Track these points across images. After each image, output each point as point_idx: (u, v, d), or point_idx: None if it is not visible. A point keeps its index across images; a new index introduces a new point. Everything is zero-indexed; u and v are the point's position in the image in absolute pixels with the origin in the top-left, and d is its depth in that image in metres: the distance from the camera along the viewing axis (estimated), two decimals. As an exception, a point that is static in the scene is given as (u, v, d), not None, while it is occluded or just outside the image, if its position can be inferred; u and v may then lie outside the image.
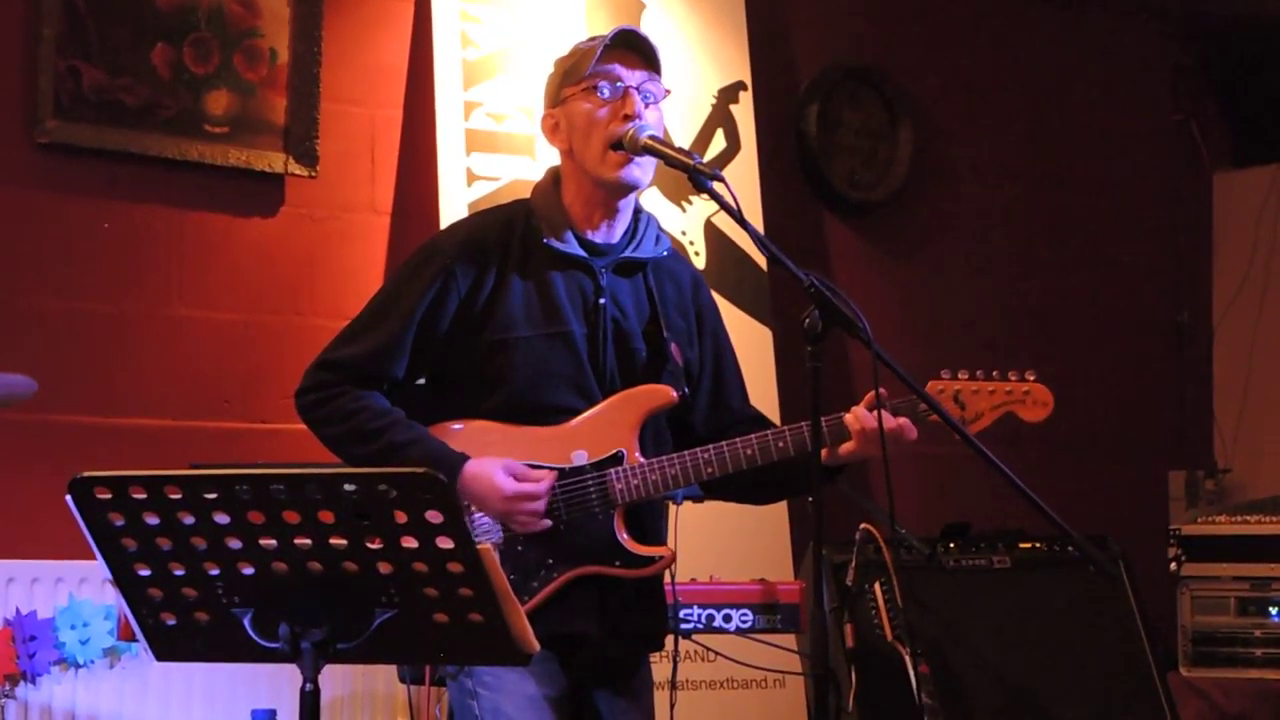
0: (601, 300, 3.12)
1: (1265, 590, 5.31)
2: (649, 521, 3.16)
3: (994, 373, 3.16)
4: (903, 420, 3.05)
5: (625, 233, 3.18)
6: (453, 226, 3.36)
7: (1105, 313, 6.61)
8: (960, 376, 3.15)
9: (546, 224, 3.13)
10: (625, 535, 3.08)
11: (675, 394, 3.13)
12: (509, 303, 3.08)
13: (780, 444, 3.07)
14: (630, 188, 3.12)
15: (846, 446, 3.06)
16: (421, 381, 3.18)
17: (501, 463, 3.03)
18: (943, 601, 4.84)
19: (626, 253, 3.17)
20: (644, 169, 3.10)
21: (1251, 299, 6.75)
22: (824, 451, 3.02)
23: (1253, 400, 6.72)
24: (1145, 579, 5.13)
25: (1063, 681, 4.84)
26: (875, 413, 2.99)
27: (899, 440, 3.04)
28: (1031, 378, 3.18)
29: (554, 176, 3.20)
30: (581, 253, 3.13)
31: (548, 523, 3.04)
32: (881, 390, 2.99)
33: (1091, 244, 6.61)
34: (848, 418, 3.05)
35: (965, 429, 3.04)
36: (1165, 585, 5.45)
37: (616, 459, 3.08)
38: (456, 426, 3.11)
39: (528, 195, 3.23)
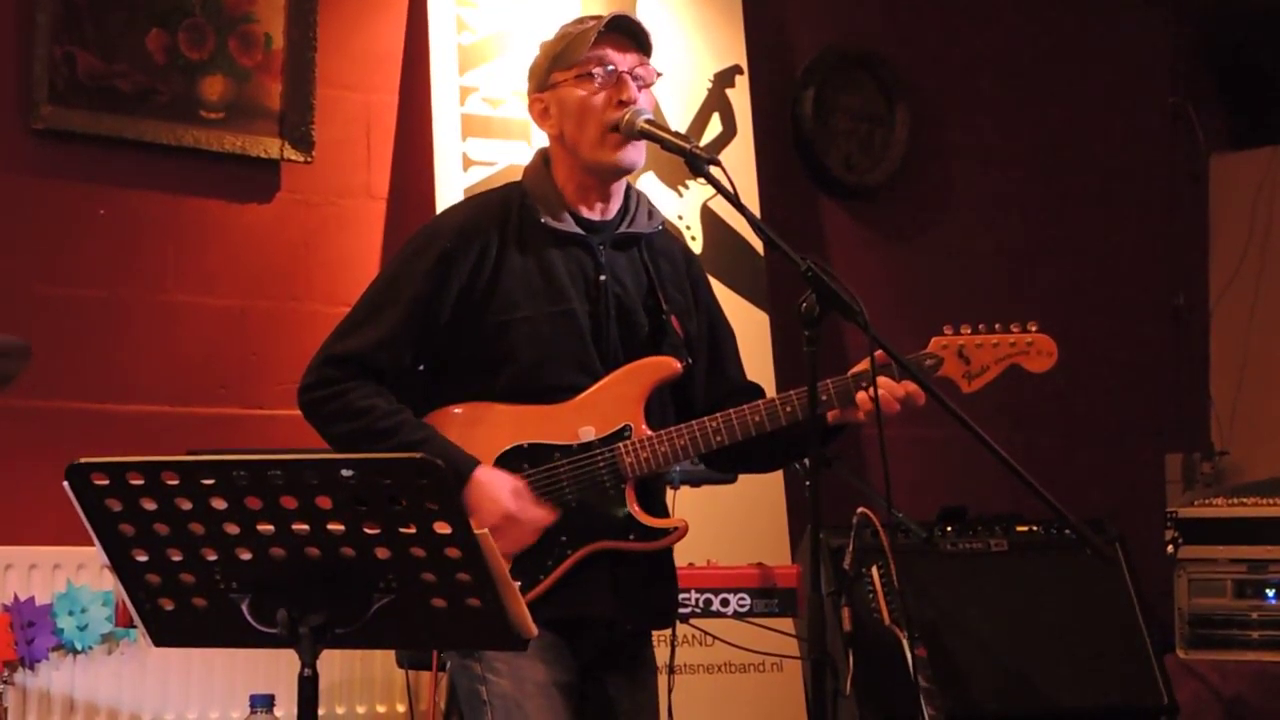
0: (603, 277, 3.11)
1: (1262, 572, 5.31)
2: (655, 496, 3.15)
3: (996, 325, 3.17)
4: (910, 385, 3.05)
5: (618, 210, 3.18)
6: (448, 211, 3.35)
7: (1101, 296, 6.60)
8: (963, 331, 3.15)
9: (542, 204, 3.11)
10: (638, 509, 3.06)
11: (680, 365, 3.12)
12: (510, 283, 3.06)
13: (788, 408, 3.06)
14: (627, 170, 3.11)
15: (852, 411, 3.06)
16: (421, 368, 3.16)
17: (513, 483, 3.01)
18: (940, 585, 4.84)
19: (621, 229, 3.16)
20: (639, 150, 3.09)
21: (1248, 281, 6.74)
22: (832, 413, 3.04)
23: (1249, 383, 6.72)
24: (1142, 562, 5.13)
25: (1060, 664, 4.84)
26: (874, 380, 2.98)
27: (910, 405, 3.04)
28: (1034, 328, 3.18)
29: (544, 157, 3.19)
30: (579, 230, 3.12)
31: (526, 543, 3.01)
32: (878, 354, 2.99)
33: (1088, 227, 6.61)
34: (860, 396, 3.05)
35: (970, 392, 3.07)
36: (1162, 568, 5.46)
37: (624, 433, 3.06)
38: (468, 410, 3.08)
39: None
